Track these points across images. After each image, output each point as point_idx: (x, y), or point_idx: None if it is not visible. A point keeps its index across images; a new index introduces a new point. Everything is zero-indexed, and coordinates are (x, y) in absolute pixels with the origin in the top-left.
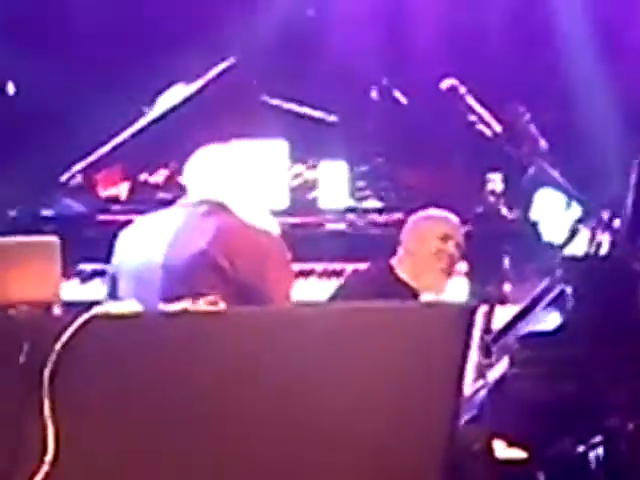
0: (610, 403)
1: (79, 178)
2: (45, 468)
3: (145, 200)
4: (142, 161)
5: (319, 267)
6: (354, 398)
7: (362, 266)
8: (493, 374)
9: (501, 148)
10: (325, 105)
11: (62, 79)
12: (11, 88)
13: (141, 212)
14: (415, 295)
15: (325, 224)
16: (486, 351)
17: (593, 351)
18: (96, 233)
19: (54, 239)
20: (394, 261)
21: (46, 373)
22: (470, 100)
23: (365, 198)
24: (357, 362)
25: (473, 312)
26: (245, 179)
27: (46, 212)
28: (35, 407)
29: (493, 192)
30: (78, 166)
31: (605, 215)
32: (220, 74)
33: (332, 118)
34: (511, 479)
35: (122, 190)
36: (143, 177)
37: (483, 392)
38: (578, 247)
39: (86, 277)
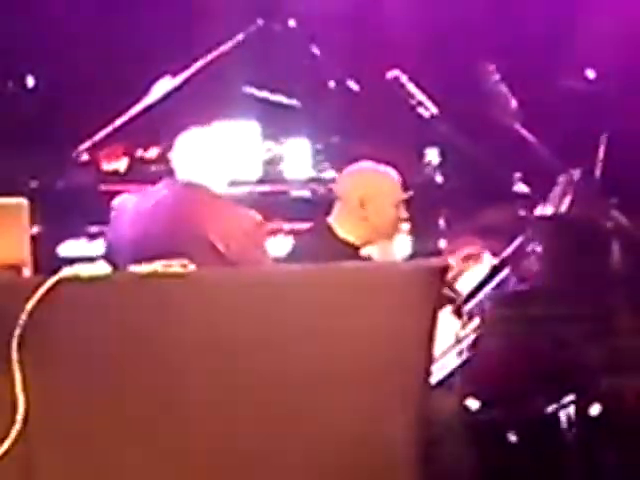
0: (581, 362)
1: (85, 155)
2: (15, 431)
3: (141, 172)
4: (138, 140)
5: (286, 226)
6: (324, 360)
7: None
8: (465, 334)
9: (437, 127)
10: (290, 92)
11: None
12: (30, 81)
13: (138, 182)
14: (357, 251)
15: (290, 191)
16: (457, 311)
17: (564, 310)
18: (100, 200)
19: (21, 201)
20: (333, 219)
21: (15, 336)
22: (411, 87)
23: (324, 169)
24: (327, 323)
25: (444, 271)
26: (224, 158)
27: (60, 183)
28: (4, 370)
29: (429, 164)
30: (85, 144)
31: (576, 174)
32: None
33: (295, 103)
34: (483, 439)
35: (122, 165)
36: (139, 153)
37: (455, 352)
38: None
39: (93, 236)
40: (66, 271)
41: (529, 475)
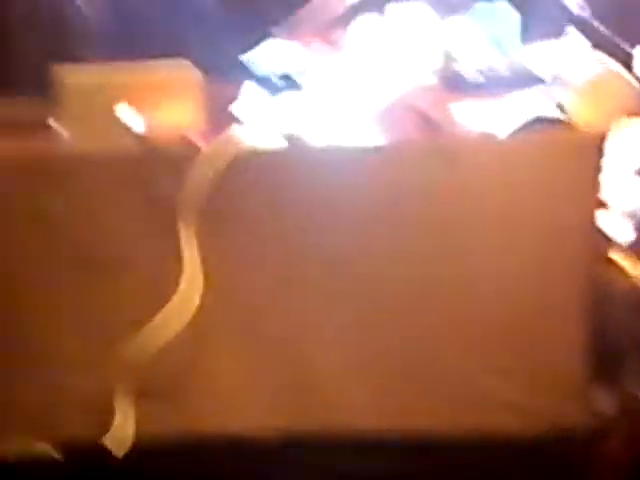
0: None
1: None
2: (194, 305)
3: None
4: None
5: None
6: (492, 234)
7: None
8: None
9: None
10: None
11: None
12: None
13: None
14: None
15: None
16: None
17: None
18: None
19: (195, 71)
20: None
21: (191, 206)
22: None
23: None
24: (492, 196)
25: (603, 138)
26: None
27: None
28: (176, 243)
29: None
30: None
31: None
32: None
33: None
34: None
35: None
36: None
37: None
38: None
39: None
40: (242, 145)
41: None
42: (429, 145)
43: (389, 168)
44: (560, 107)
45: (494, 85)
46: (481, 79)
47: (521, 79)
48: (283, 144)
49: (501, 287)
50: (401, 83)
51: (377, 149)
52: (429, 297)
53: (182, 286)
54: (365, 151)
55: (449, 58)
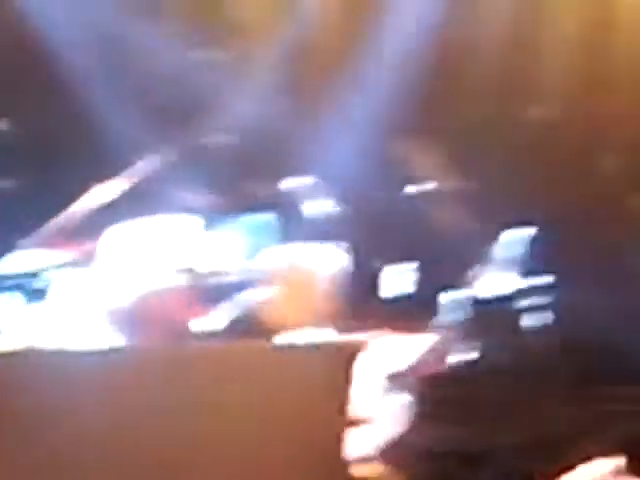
0: None
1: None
2: None
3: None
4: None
5: None
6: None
7: None
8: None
9: None
10: None
11: None
12: None
13: None
14: None
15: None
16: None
17: None
18: None
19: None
20: None
21: None
22: None
23: None
24: (240, 401)
25: (353, 354)
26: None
27: None
28: None
29: None
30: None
31: None
32: None
33: None
34: None
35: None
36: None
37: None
38: None
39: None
40: None
41: None
42: (164, 350)
43: (123, 372)
44: (258, 306)
45: (228, 290)
46: (220, 286)
47: (246, 282)
48: (19, 349)
49: None
50: (143, 288)
51: (103, 353)
52: None
53: None
54: (92, 355)
55: (192, 269)
